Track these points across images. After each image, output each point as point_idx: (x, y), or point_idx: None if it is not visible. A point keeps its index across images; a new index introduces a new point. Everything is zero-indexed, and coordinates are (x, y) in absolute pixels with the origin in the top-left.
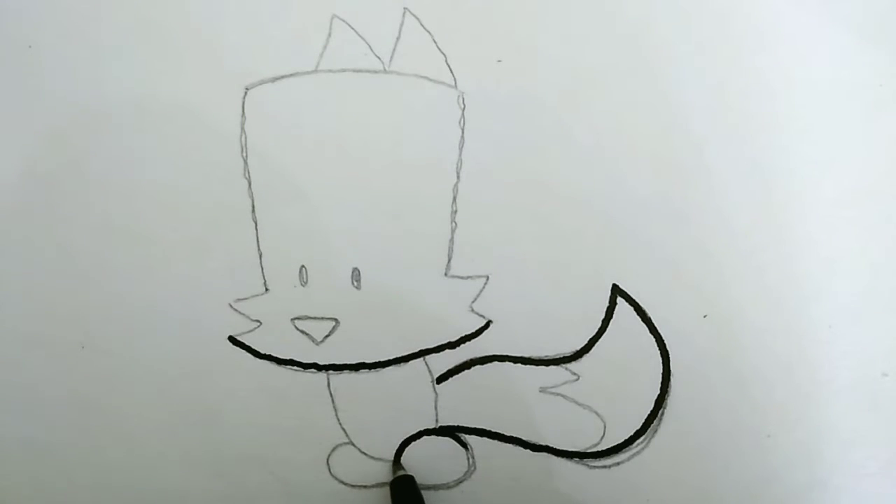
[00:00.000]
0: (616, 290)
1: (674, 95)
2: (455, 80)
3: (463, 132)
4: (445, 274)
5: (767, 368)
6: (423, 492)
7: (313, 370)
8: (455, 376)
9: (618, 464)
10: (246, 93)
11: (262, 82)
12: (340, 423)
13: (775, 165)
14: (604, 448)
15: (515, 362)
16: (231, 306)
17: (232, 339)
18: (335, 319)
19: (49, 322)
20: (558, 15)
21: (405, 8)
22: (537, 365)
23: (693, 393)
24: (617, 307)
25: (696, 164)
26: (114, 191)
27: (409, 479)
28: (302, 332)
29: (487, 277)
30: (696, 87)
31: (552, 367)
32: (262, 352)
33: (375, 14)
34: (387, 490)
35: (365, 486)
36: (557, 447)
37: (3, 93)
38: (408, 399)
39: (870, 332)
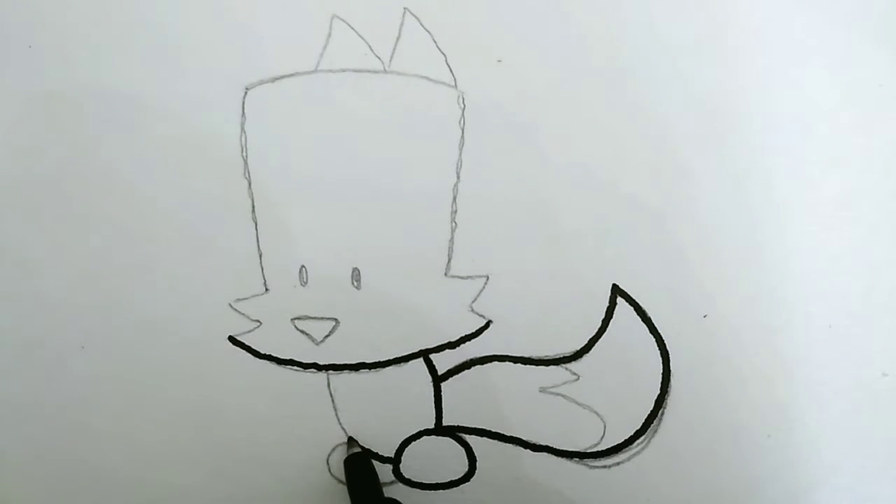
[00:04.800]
0: (616, 290)
1: (674, 95)
2: (455, 80)
3: (463, 132)
4: (445, 274)
5: (767, 368)
6: (422, 492)
7: (313, 370)
8: (455, 376)
9: (618, 464)
10: (246, 93)
11: (262, 82)
12: (340, 423)
13: (775, 165)
14: (604, 448)
15: (515, 362)
16: (231, 306)
17: (232, 339)
18: (335, 319)
19: (49, 322)
20: (558, 15)
21: (405, 8)
22: (537, 365)
23: (693, 393)
24: (617, 307)
25: (696, 164)
26: (114, 190)
27: (363, 456)
28: (302, 332)
29: (487, 277)
30: (697, 86)
31: (552, 367)
32: (262, 352)
33: (375, 14)
34: (388, 490)
35: None
36: (557, 447)
37: (3, 93)
38: (408, 399)
39: (870, 332)
